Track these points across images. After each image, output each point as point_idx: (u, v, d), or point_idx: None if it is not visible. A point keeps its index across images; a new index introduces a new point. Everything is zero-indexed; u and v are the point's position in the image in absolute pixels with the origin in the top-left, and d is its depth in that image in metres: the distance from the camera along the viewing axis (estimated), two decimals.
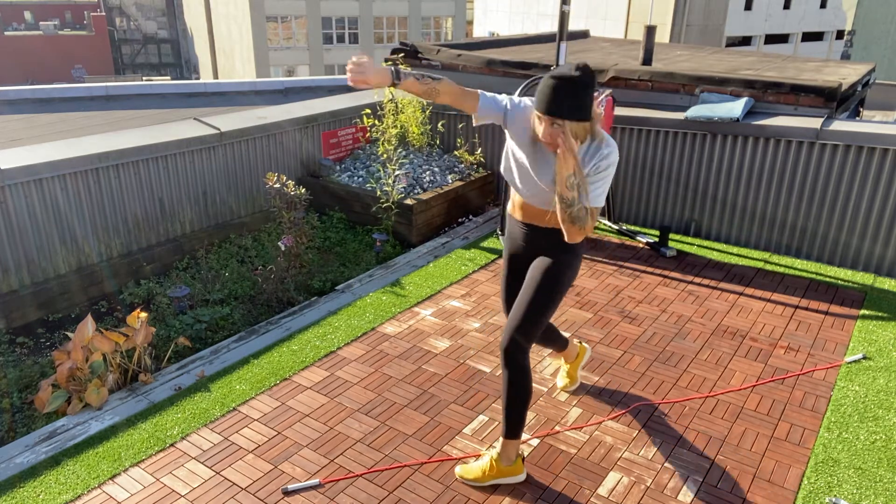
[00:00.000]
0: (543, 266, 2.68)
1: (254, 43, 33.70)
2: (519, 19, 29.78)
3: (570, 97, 2.36)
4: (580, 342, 3.47)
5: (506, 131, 2.69)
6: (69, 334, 3.43)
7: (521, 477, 2.83)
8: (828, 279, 4.73)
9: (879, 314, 4.25)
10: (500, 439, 2.78)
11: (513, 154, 2.69)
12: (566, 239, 2.54)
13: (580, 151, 2.49)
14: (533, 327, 2.66)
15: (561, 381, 3.48)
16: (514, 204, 2.82)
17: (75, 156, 4.38)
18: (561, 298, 2.72)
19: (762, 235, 5.22)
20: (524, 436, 3.07)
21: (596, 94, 2.59)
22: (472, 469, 2.84)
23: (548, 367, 3.65)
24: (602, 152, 2.49)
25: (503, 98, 2.65)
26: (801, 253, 5.10)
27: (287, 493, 2.76)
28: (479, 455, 2.97)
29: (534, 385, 3.09)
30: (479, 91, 2.64)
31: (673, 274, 4.78)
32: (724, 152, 5.19)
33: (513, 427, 2.72)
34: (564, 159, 2.39)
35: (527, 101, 2.63)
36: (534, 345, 2.81)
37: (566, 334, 3.45)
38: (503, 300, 3.03)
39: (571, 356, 3.41)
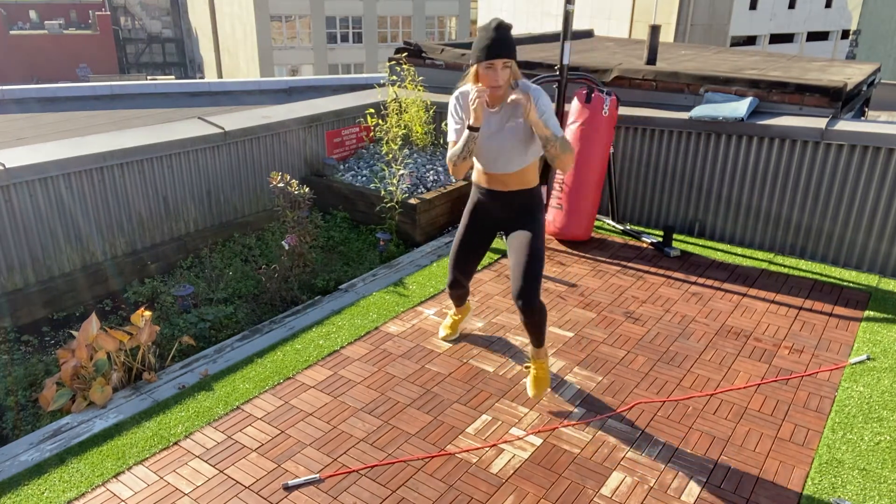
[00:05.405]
0: (524, 234, 3.14)
1: (258, 42, 33.74)
2: (523, 18, 29.73)
3: (508, 39, 2.86)
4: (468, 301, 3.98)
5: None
6: (74, 332, 3.44)
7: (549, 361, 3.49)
8: (832, 280, 4.71)
9: (884, 315, 4.23)
10: (532, 351, 3.33)
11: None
12: (564, 171, 3.02)
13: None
14: (539, 279, 3.10)
15: (443, 331, 3.91)
16: (478, 173, 3.23)
17: (80, 154, 4.39)
18: (544, 248, 3.20)
19: (766, 236, 5.21)
20: (522, 433, 3.09)
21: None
22: (536, 382, 3.32)
23: (552, 365, 3.65)
24: (529, 92, 2.90)
25: (450, 120, 3.10)
26: (806, 253, 5.09)
27: (287, 488, 2.76)
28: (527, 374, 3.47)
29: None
30: (450, 141, 3.09)
31: (677, 274, 4.77)
32: (728, 152, 5.18)
33: (543, 338, 3.29)
34: (529, 107, 2.80)
35: (452, 98, 3.09)
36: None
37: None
38: (454, 252, 3.42)
39: (464, 312, 3.91)
